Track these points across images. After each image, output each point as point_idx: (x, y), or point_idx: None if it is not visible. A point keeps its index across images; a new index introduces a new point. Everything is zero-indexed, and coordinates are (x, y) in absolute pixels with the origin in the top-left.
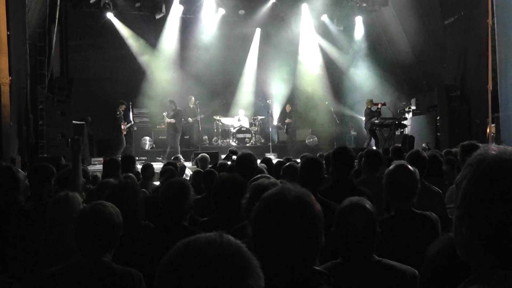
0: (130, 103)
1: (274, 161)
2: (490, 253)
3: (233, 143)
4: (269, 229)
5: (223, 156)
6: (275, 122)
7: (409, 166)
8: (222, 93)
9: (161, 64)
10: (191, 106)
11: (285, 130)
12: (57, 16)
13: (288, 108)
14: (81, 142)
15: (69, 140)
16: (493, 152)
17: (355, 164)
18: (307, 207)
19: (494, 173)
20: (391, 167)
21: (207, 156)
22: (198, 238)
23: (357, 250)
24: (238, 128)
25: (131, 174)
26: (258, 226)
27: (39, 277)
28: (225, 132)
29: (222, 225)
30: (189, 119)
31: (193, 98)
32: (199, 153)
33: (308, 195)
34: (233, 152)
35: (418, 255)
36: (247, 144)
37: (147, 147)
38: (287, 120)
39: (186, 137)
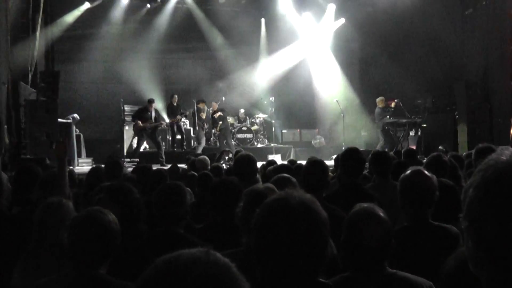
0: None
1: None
2: (495, 269)
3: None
4: (271, 238)
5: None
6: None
7: (426, 172)
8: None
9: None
10: (175, 104)
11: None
12: (42, 5)
13: None
14: (67, 144)
15: (53, 144)
16: (504, 157)
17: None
18: (313, 214)
19: (502, 179)
20: (406, 172)
21: (206, 158)
22: (181, 254)
23: (371, 261)
24: (238, 127)
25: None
26: (259, 234)
27: None
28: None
29: (220, 232)
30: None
31: (176, 96)
32: (198, 155)
33: (314, 201)
34: (227, 152)
35: (434, 270)
36: (249, 145)
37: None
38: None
39: (178, 137)
